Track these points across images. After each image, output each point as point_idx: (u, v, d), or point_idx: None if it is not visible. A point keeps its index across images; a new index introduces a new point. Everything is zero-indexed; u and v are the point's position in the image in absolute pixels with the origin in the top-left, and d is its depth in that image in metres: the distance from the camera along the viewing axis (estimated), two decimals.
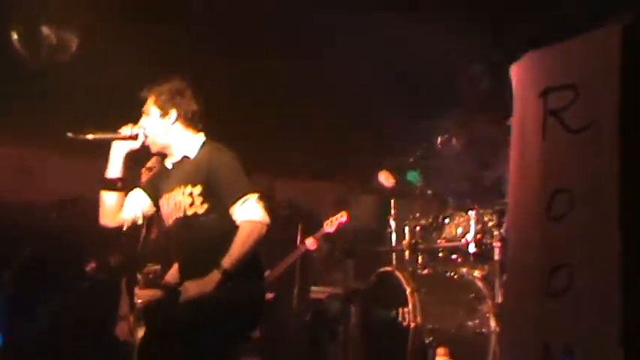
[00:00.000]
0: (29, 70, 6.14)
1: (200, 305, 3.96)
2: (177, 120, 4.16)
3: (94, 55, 6.20)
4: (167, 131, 4.16)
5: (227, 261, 3.92)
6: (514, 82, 3.06)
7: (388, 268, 5.85)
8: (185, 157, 4.19)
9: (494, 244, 5.30)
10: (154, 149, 4.23)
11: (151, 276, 5.17)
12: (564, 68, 2.79)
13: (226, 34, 6.72)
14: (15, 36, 5.85)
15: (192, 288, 3.98)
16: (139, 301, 5.30)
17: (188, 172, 4.13)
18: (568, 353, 2.70)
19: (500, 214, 5.44)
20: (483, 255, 5.57)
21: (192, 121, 4.20)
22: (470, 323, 5.55)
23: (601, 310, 2.66)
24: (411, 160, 7.06)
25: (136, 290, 5.38)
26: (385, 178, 7.70)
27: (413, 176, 7.46)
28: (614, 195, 2.62)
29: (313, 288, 6.95)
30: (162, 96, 4.16)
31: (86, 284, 6.71)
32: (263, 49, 7.00)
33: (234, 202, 3.99)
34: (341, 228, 6.62)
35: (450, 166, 7.38)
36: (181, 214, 4.10)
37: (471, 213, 5.53)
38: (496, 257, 5.29)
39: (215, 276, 3.91)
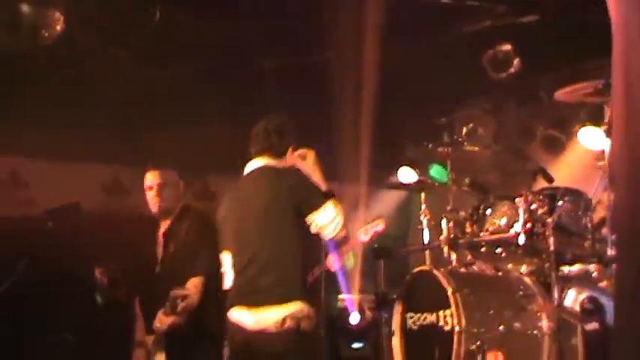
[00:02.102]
0: None
1: None
2: None
3: None
4: None
5: None
6: None
7: (425, 267, 5.24)
8: None
9: (547, 233, 4.69)
10: None
11: (179, 301, 4.70)
12: None
13: None
14: None
15: None
16: (159, 326, 4.85)
17: None
18: None
19: (551, 200, 4.84)
20: (532, 247, 4.97)
21: None
22: (519, 325, 4.97)
23: None
24: (437, 152, 6.49)
25: (160, 315, 4.90)
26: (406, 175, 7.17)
27: (437, 171, 6.91)
28: None
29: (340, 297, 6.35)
30: None
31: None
32: None
33: None
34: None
35: (479, 157, 6.84)
36: None
37: (519, 200, 4.90)
38: (551, 248, 4.68)
39: None
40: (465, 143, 6.65)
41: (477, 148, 6.66)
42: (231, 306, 4.42)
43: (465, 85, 7.26)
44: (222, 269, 4.51)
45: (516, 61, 6.97)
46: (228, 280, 4.49)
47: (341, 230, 4.42)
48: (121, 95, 6.81)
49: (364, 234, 5.79)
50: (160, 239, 5.25)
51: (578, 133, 6.76)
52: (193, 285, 4.88)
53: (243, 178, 4.66)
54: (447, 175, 6.73)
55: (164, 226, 5.26)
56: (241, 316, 4.37)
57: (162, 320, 4.88)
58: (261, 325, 4.28)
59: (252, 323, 4.32)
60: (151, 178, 5.24)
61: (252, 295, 4.35)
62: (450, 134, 7.29)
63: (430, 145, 6.40)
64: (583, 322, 4.41)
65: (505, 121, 7.40)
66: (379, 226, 5.72)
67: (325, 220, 4.37)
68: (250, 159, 4.63)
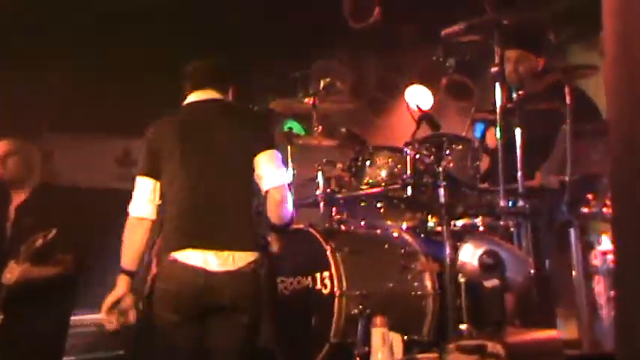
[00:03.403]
0: None
1: None
2: None
3: None
4: None
5: None
6: None
7: (298, 226, 4.73)
8: None
9: (438, 183, 4.31)
10: None
11: (39, 242, 4.01)
12: None
13: None
14: None
15: None
16: (8, 277, 4.15)
17: None
18: None
19: (439, 148, 4.47)
20: (417, 200, 4.60)
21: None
22: (402, 285, 4.63)
23: None
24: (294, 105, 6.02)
25: (11, 264, 4.25)
26: None
27: (292, 126, 6.48)
28: None
29: None
30: None
31: None
32: None
33: None
34: None
35: (338, 111, 6.42)
36: None
37: (406, 149, 4.48)
38: (441, 200, 4.31)
39: None
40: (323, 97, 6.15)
41: (334, 102, 6.20)
42: (181, 247, 3.79)
43: (322, 36, 6.79)
44: (136, 194, 3.93)
45: (377, 10, 6.58)
46: (142, 208, 3.91)
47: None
48: None
49: None
50: (11, 213, 4.70)
51: (406, 92, 6.58)
52: (65, 259, 4.44)
53: (192, 107, 4.07)
54: (302, 130, 6.33)
55: (17, 199, 4.72)
56: (203, 258, 3.75)
57: (13, 269, 4.29)
58: (229, 267, 3.75)
59: (217, 265, 3.74)
60: (0, 147, 4.77)
61: (214, 236, 3.79)
62: (306, 88, 6.82)
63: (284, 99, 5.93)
64: (483, 278, 4.06)
65: (365, 74, 7.00)
66: None
67: (270, 163, 3.89)
68: (189, 91, 4.10)
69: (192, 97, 4.06)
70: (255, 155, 3.87)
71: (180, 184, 3.87)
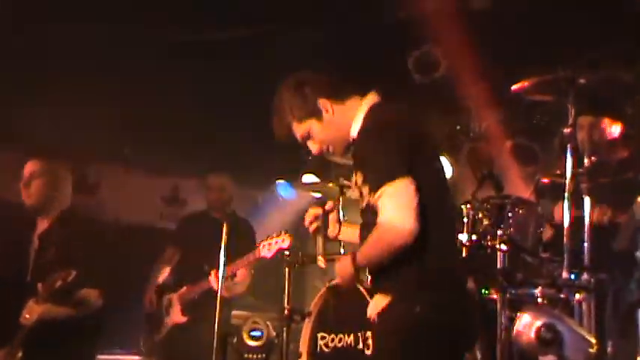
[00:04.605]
0: None
1: None
2: (328, 107, 3.17)
3: None
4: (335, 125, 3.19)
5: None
6: None
7: None
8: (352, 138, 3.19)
9: (497, 246, 4.03)
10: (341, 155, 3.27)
11: (59, 284, 3.82)
12: None
13: None
14: None
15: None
16: (28, 317, 3.92)
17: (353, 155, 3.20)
18: None
19: (499, 210, 4.19)
20: (473, 264, 4.31)
21: (336, 92, 3.20)
22: None
23: None
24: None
25: (30, 303, 4.03)
26: None
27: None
28: None
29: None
30: (294, 111, 3.17)
31: None
32: None
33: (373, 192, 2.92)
34: None
35: None
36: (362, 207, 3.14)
37: (465, 208, 4.22)
38: (499, 265, 4.02)
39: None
40: None
41: None
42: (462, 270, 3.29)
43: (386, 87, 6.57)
44: (405, 201, 2.86)
45: (442, 66, 6.35)
46: (413, 221, 2.87)
47: None
48: None
49: (267, 249, 5.01)
50: (35, 241, 4.43)
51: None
52: (89, 294, 4.21)
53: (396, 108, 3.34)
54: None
55: (42, 225, 4.46)
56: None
57: (32, 310, 4.05)
58: None
59: None
60: (26, 168, 4.51)
61: None
62: None
63: None
64: (539, 353, 3.73)
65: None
66: (284, 242, 4.95)
67: None
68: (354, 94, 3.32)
69: (376, 99, 3.34)
70: None
71: (441, 188, 3.13)
